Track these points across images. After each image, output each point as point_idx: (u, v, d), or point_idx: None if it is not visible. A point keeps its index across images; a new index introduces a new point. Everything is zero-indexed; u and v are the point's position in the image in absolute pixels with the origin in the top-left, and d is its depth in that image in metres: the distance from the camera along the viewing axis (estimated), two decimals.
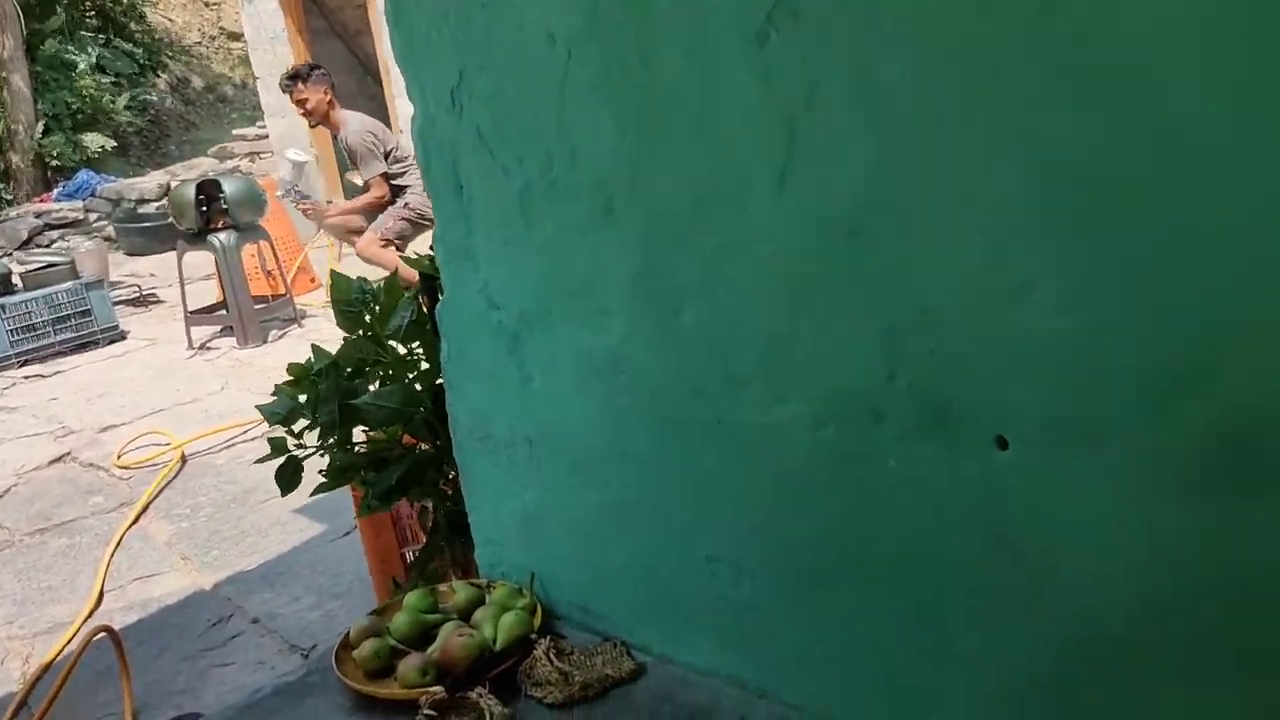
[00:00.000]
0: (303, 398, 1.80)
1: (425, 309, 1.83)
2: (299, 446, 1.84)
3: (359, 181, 5.85)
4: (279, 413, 1.76)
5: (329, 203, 7.09)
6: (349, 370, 1.89)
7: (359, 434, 1.99)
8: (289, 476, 1.81)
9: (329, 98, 5.62)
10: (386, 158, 5.61)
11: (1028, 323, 1.02)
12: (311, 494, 1.93)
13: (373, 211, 5.77)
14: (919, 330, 1.11)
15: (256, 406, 1.84)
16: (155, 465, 4.36)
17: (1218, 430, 0.93)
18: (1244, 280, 0.89)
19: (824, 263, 1.16)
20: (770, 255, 1.21)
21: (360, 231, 5.82)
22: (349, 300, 1.81)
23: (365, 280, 1.87)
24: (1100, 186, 0.95)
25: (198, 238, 6.25)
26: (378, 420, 1.80)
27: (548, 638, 1.54)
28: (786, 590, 1.35)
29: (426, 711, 1.40)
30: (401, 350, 1.90)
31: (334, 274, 1.86)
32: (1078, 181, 0.96)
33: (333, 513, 3.36)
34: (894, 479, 1.18)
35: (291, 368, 1.84)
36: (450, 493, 1.97)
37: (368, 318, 1.83)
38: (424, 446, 1.97)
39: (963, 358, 1.08)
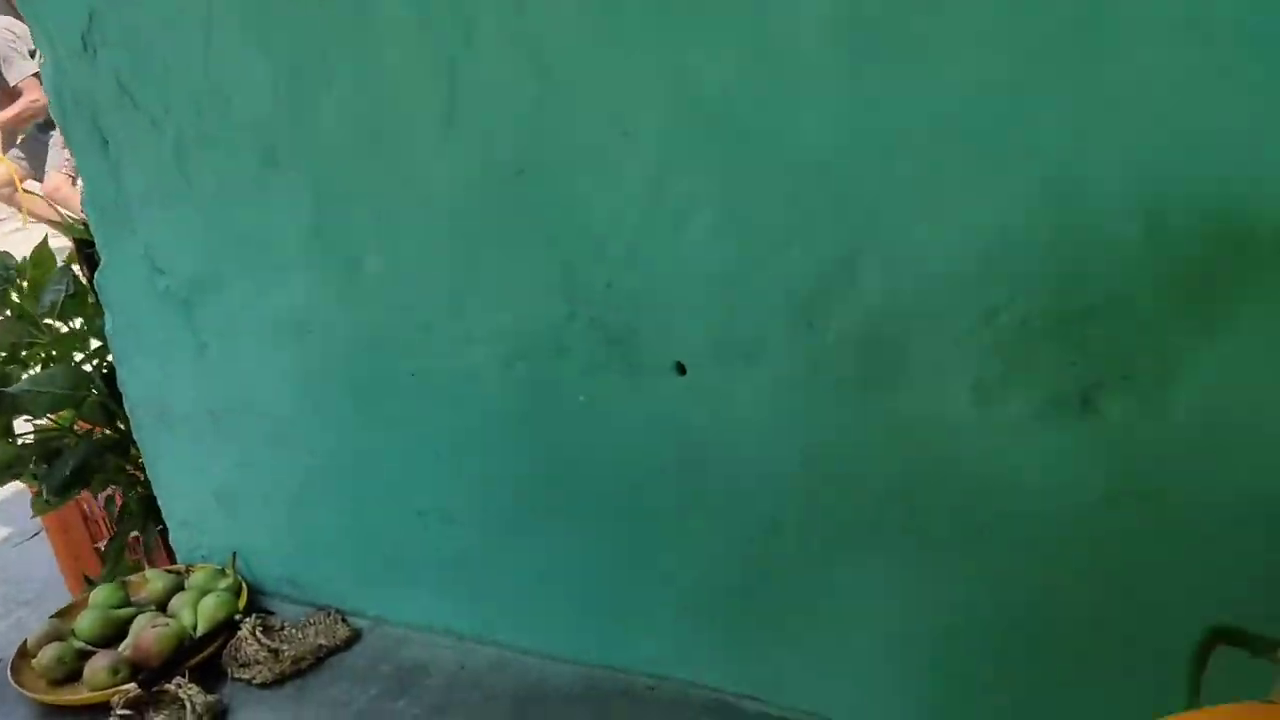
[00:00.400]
0: None
1: (85, 279, 1.66)
2: None
3: None
4: None
5: None
6: (3, 356, 1.69)
7: (25, 425, 1.79)
8: None
9: None
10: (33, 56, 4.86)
11: (690, 251, 1.06)
12: None
13: (26, 127, 4.99)
14: (593, 265, 1.12)
15: None
16: None
17: (859, 334, 1.01)
18: (874, 201, 0.96)
19: (496, 202, 1.15)
20: (444, 197, 1.18)
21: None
22: None
23: (9, 255, 1.67)
24: (740, 118, 0.99)
25: None
26: (41, 407, 1.63)
27: (254, 616, 1.46)
28: (496, 533, 1.35)
29: (120, 711, 1.30)
30: (63, 329, 1.72)
31: None
32: (720, 113, 0.99)
33: (15, 515, 3.02)
34: (586, 412, 1.20)
35: None
36: (141, 477, 1.82)
37: (15, 296, 1.63)
38: (106, 431, 1.81)
39: (636, 289, 1.11)
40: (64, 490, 1.72)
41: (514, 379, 1.23)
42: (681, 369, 1.13)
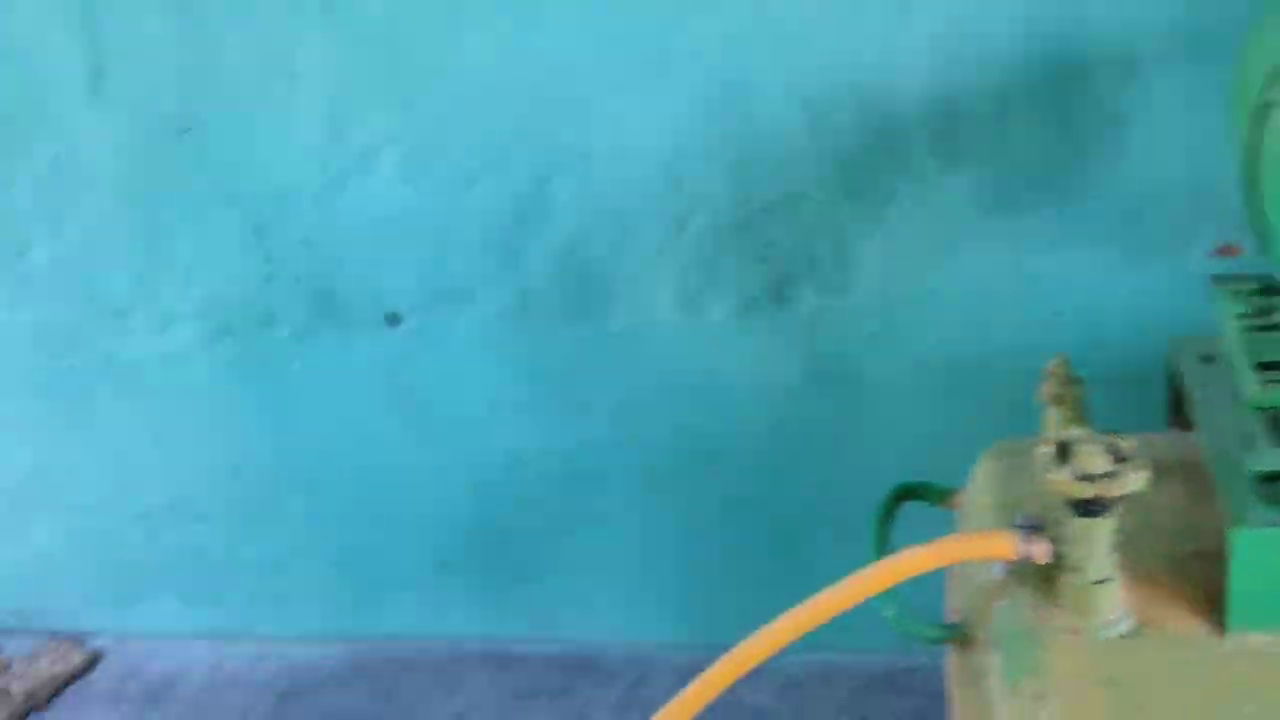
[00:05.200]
0: None
1: None
2: None
3: None
4: None
5: None
6: None
7: None
8: None
9: None
10: None
11: (381, 195, 1.02)
12: None
13: None
14: (284, 221, 1.06)
15: None
16: None
17: (563, 262, 1.00)
18: (553, 123, 0.96)
19: (166, 167, 1.06)
20: (107, 168, 1.08)
21: None
22: None
23: None
24: (408, 47, 0.95)
25: None
26: None
27: None
28: (231, 522, 1.27)
29: None
30: None
31: None
32: (388, 42, 0.96)
33: None
34: (303, 379, 1.14)
35: None
36: None
37: None
38: None
39: (331, 240, 1.06)
40: None
41: (222, 355, 1.15)
42: (391, 320, 1.09)
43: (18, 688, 1.29)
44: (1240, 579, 0.50)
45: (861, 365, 0.96)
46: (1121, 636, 0.54)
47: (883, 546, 0.71)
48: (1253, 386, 0.50)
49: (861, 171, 0.89)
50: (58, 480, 1.30)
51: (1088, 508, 0.51)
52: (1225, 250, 0.84)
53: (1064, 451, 0.52)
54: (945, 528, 0.69)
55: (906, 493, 0.75)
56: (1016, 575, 0.58)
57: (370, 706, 1.19)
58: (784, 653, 1.11)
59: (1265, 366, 0.49)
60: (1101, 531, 0.52)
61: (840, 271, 0.93)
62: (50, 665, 1.34)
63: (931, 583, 0.67)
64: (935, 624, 0.60)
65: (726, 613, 1.13)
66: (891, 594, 0.62)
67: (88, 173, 1.09)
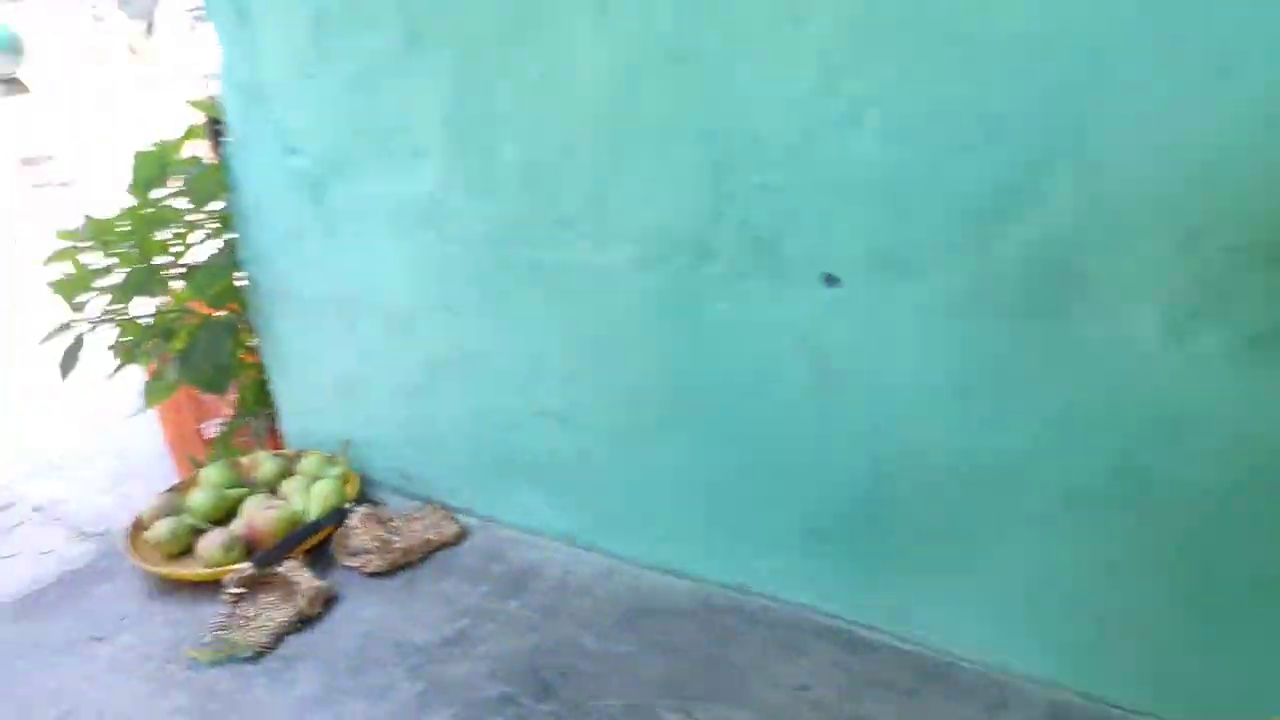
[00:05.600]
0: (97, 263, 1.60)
1: (213, 156, 1.65)
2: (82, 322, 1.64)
3: None
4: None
5: None
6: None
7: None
8: (72, 356, 1.63)
9: None
10: None
11: (856, 152, 0.99)
12: (110, 377, 1.73)
13: None
14: (748, 162, 1.06)
15: (51, 284, 1.59)
16: None
17: (1038, 254, 0.93)
18: (1068, 106, 0.88)
19: (650, 89, 1.09)
20: (594, 82, 1.12)
21: None
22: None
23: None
24: (929, 10, 0.91)
25: None
26: (199, 288, 1.63)
27: (364, 505, 1.47)
28: (617, 440, 1.31)
29: (232, 589, 1.31)
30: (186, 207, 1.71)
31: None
32: (909, 4, 0.92)
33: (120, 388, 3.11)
34: (724, 320, 1.15)
35: (65, 235, 1.62)
36: (253, 361, 1.83)
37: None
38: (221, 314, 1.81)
39: (792, 190, 1.05)
40: (214, 381, 1.70)
41: (652, 281, 1.18)
42: (830, 281, 1.07)
43: (398, 543, 1.42)
44: None
45: None
46: None
47: None
48: None
49: None
50: (470, 365, 1.40)
51: None
52: None
53: None
54: None
55: None
56: None
57: (712, 649, 1.19)
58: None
59: None
60: None
61: None
62: (424, 530, 1.46)
63: None
64: None
65: (1113, 663, 1.05)
66: None
67: (571, 86, 1.14)
